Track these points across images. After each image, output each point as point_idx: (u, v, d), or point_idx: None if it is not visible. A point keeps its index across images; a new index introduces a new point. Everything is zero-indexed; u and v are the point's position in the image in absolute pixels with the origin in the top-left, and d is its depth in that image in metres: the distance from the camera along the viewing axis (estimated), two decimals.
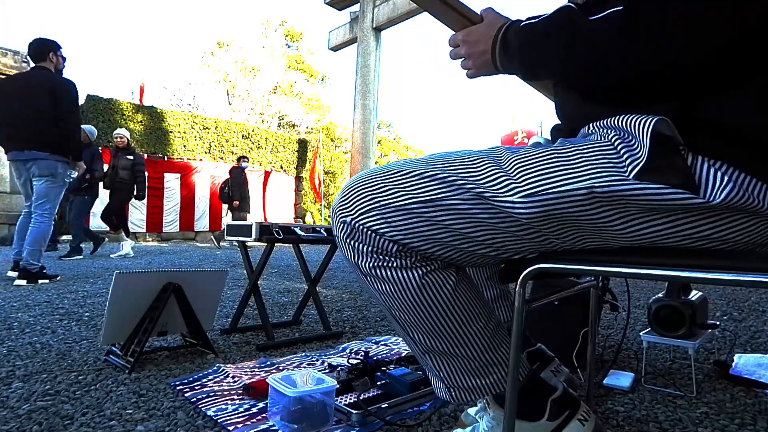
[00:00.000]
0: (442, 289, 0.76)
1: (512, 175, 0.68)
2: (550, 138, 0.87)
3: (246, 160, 9.50)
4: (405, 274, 0.74)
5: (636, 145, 0.63)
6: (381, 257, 0.74)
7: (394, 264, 0.74)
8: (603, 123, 0.69)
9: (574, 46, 0.67)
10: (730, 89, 0.61)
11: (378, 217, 0.72)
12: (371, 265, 0.75)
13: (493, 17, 0.80)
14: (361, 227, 0.73)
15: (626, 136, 0.65)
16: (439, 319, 0.77)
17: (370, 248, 0.74)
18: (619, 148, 0.64)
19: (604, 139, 0.67)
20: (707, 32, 0.58)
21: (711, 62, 0.60)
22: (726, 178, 0.59)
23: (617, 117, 0.67)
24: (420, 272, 0.74)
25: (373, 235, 0.73)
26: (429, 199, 0.70)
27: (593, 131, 0.71)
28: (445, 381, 0.82)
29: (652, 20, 0.60)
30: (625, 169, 0.63)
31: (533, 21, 0.73)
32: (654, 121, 0.60)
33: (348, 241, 0.76)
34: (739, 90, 0.61)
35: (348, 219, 0.74)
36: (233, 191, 8.79)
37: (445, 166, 0.72)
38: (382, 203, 0.72)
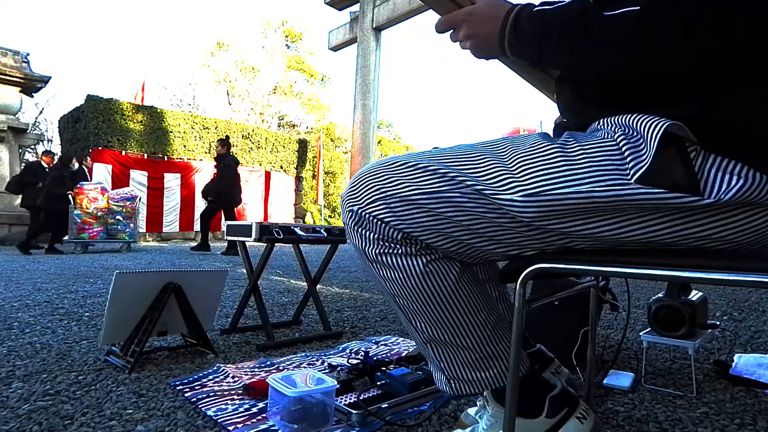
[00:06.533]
0: (446, 277, 0.78)
1: (514, 172, 0.68)
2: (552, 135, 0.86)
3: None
4: (409, 261, 0.77)
5: (642, 146, 0.62)
6: (387, 244, 0.77)
7: (399, 251, 0.77)
8: (614, 120, 0.68)
9: (584, 44, 0.66)
10: (741, 89, 0.61)
11: (383, 206, 0.75)
12: (377, 251, 0.78)
13: None
14: (367, 216, 0.76)
15: (634, 134, 0.64)
16: (441, 307, 0.78)
17: (376, 235, 0.77)
18: (623, 149, 0.64)
19: (610, 137, 0.67)
20: (701, 42, 0.58)
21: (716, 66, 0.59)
22: (735, 177, 0.59)
23: (629, 116, 0.66)
24: (424, 260, 0.77)
25: (379, 223, 0.76)
26: (430, 191, 0.72)
27: (601, 127, 0.71)
28: (446, 372, 0.84)
29: (666, 29, 0.59)
30: (628, 172, 0.63)
31: (547, 9, 0.70)
32: (666, 125, 0.60)
33: (356, 228, 0.79)
34: (751, 90, 0.61)
35: (355, 208, 0.78)
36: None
37: (446, 161, 0.74)
38: (387, 193, 0.75)
